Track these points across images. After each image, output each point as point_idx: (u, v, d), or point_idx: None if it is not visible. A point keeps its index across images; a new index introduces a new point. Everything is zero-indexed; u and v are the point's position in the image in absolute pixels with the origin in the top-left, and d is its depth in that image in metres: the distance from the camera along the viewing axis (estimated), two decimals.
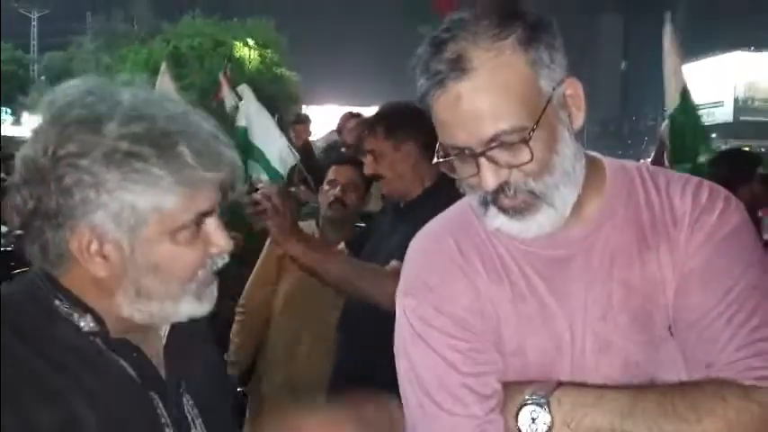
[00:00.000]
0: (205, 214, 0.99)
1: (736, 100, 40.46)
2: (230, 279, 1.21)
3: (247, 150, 4.92)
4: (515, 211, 1.01)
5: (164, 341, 1.10)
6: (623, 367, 1.04)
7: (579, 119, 1.04)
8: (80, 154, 0.91)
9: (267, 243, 2.89)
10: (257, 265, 2.93)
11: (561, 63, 1.01)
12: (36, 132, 0.95)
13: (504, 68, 0.96)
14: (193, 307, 1.02)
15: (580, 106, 1.04)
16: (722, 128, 38.02)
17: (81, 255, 0.95)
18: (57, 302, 0.98)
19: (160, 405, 1.03)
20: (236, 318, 2.91)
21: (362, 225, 2.96)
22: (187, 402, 1.09)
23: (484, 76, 0.96)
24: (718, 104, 40.37)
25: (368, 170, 2.28)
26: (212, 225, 1.00)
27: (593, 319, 1.05)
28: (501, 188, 1.00)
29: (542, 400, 0.99)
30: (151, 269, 0.97)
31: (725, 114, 39.95)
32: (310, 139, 6.93)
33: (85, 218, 0.93)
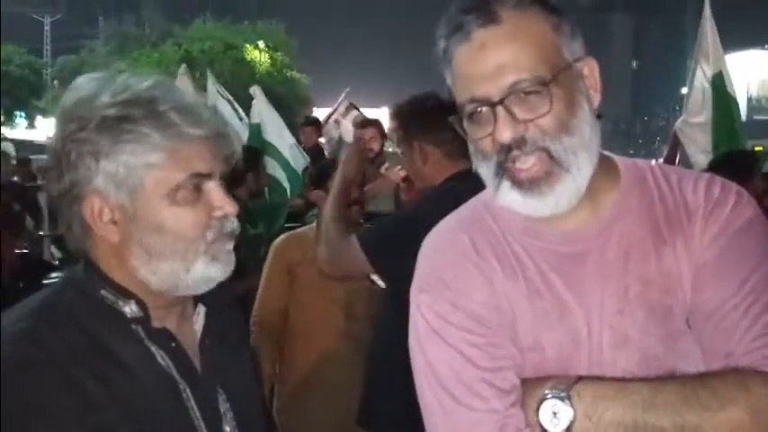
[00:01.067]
0: (202, 176, 1.04)
1: (749, 99, 40.15)
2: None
3: (262, 147, 4.98)
4: (531, 183, 1.01)
5: (198, 335, 1.15)
6: (642, 361, 1.04)
7: (596, 99, 1.05)
8: (80, 128, 1.01)
9: (272, 252, 2.85)
10: (266, 276, 2.84)
11: (580, 43, 1.03)
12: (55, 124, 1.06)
13: (530, 24, 0.99)
14: (209, 268, 1.06)
15: (597, 88, 1.05)
16: None
17: (95, 223, 1.03)
18: (103, 292, 1.06)
19: (191, 398, 1.08)
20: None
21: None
22: (220, 396, 1.13)
23: (509, 27, 0.98)
24: None
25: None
26: (213, 189, 1.06)
27: (610, 314, 1.05)
28: (517, 144, 0.99)
29: (563, 394, 0.98)
30: (156, 229, 1.03)
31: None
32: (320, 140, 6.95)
33: (90, 185, 1.02)
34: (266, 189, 4.89)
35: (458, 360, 1.05)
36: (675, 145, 5.17)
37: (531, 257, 1.08)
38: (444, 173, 2.17)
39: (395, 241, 1.94)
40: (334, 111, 6.80)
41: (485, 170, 1.05)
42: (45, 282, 4.57)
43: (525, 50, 0.98)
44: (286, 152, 5.02)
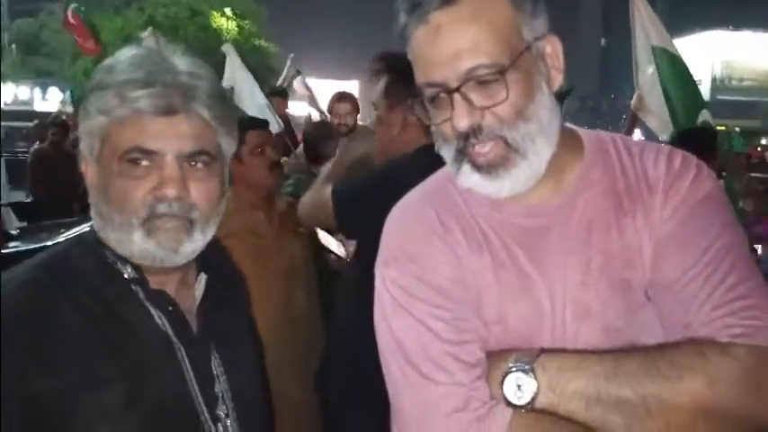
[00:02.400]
0: (147, 152, 1.05)
1: (713, 79, 40.80)
2: None
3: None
4: (489, 167, 1.02)
5: (197, 301, 1.19)
6: (603, 333, 1.06)
7: (557, 79, 1.05)
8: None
9: None
10: None
11: (543, 20, 1.02)
12: None
13: (488, 5, 0.97)
14: (146, 243, 1.07)
15: (559, 67, 1.05)
16: None
17: (89, 186, 1.12)
18: (106, 251, 1.11)
19: (185, 359, 1.11)
20: None
21: None
22: (214, 359, 1.17)
23: (466, 9, 0.96)
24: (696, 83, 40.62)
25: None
26: (161, 167, 1.06)
27: (573, 287, 1.06)
28: (474, 133, 1.00)
29: (527, 367, 1.00)
30: (103, 196, 1.09)
31: (702, 93, 40.27)
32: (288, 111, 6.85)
33: (82, 146, 1.11)
34: None
35: (424, 334, 1.05)
36: (633, 122, 5.23)
37: (495, 231, 1.09)
38: (417, 144, 2.11)
39: (362, 197, 1.93)
40: (283, 79, 6.68)
41: (446, 152, 1.06)
42: (3, 252, 4.45)
43: (483, 34, 0.96)
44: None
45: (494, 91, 0.98)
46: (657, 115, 4.88)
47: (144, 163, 1.06)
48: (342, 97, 5.03)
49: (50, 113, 12.78)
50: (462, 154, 1.03)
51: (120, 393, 1.02)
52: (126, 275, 1.10)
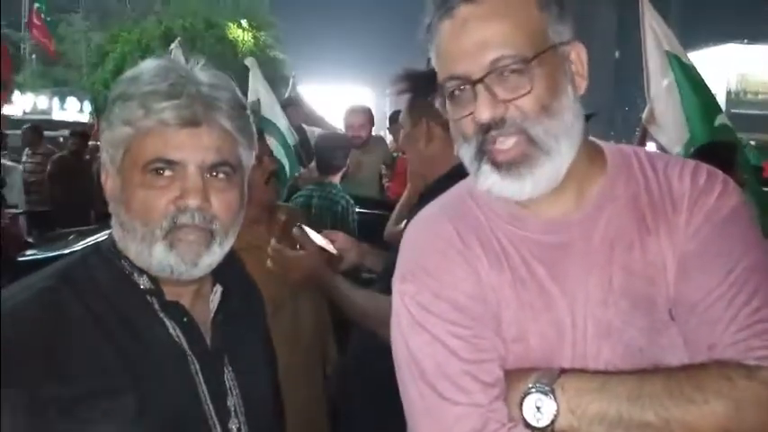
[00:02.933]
0: (170, 162, 1.06)
1: (728, 93, 40.47)
2: None
3: (261, 125, 4.88)
4: (511, 164, 0.99)
5: (212, 313, 1.18)
6: (625, 353, 1.03)
7: (582, 85, 1.04)
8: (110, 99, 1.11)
9: None
10: None
11: (569, 27, 1.01)
12: None
13: (515, 2, 0.97)
14: (168, 256, 1.07)
15: (583, 74, 1.03)
16: None
17: (110, 196, 1.12)
18: (123, 262, 1.11)
19: (199, 371, 1.11)
20: None
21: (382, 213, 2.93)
22: (227, 372, 1.16)
23: (493, 3, 0.96)
24: None
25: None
26: (184, 178, 1.07)
27: (594, 304, 1.04)
28: (496, 125, 0.97)
29: (546, 388, 0.97)
30: (125, 206, 1.09)
31: None
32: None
33: (103, 156, 1.12)
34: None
35: (441, 352, 1.02)
36: (645, 135, 5.19)
37: (514, 246, 1.06)
38: (448, 160, 1.97)
39: None
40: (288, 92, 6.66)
41: (466, 152, 1.03)
42: (20, 259, 4.51)
43: (508, 27, 0.95)
44: (284, 129, 4.94)
45: (518, 84, 0.96)
46: (669, 129, 4.82)
47: (167, 173, 1.06)
48: (355, 110, 5.06)
49: (68, 122, 12.93)
50: (482, 152, 1.00)
51: (132, 404, 1.01)
52: (142, 286, 1.10)
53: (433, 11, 1.01)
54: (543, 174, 0.99)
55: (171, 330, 1.10)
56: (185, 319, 1.11)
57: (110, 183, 1.11)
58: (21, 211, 8.22)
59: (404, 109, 2.15)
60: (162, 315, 1.10)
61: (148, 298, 1.10)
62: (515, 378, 1.02)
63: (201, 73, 1.11)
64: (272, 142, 4.82)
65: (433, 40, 1.02)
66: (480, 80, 0.96)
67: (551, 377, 0.99)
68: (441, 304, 1.05)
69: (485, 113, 0.96)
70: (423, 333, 1.04)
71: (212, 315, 1.18)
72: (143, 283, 1.10)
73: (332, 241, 2.10)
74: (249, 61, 5.57)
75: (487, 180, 1.01)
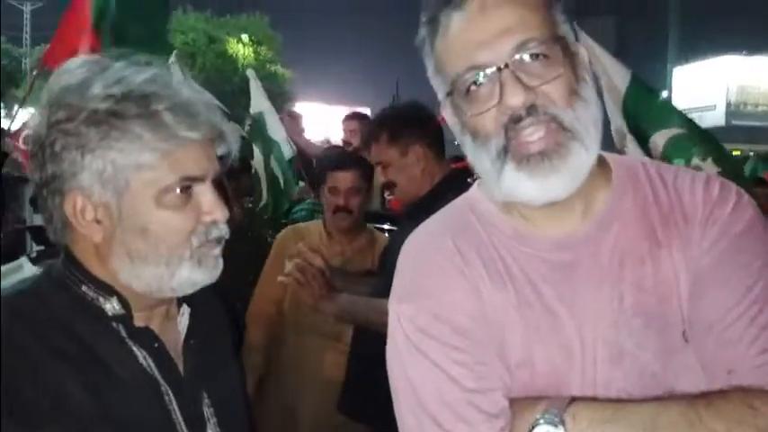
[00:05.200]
0: (193, 179, 1.00)
1: (728, 104, 40.57)
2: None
3: (264, 143, 4.84)
4: (542, 155, 0.91)
5: (183, 335, 1.11)
6: (639, 378, 0.96)
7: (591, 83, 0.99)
8: (68, 119, 0.96)
9: (274, 244, 2.86)
10: (265, 267, 2.85)
11: (570, 30, 0.98)
12: (39, 107, 1.00)
13: None
14: (194, 273, 1.02)
15: (590, 72, 0.98)
16: (714, 131, 37.99)
17: (76, 220, 0.99)
18: (84, 288, 1.01)
19: (173, 401, 1.03)
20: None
21: (383, 227, 2.93)
22: (204, 400, 1.09)
23: None
24: (710, 108, 40.49)
25: (380, 179, 2.29)
26: (205, 192, 1.02)
27: (605, 326, 0.97)
28: (528, 112, 0.90)
29: (556, 419, 0.90)
30: (140, 232, 0.99)
31: (717, 118, 40.07)
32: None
33: (74, 181, 0.97)
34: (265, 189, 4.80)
35: (442, 381, 0.96)
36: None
37: (519, 265, 1.00)
38: (435, 174, 2.18)
39: None
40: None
41: (483, 153, 0.95)
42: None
43: (529, 12, 0.91)
44: (282, 142, 4.93)
45: (544, 69, 0.90)
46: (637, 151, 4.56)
47: (189, 191, 1.00)
48: (348, 117, 5.10)
49: None
50: (505, 149, 0.92)
51: None
52: (110, 313, 1.01)
53: (435, 6, 0.94)
54: (579, 164, 0.92)
55: (141, 360, 1.02)
56: (156, 345, 1.04)
57: (101, 212, 0.99)
58: (25, 225, 8.23)
59: (383, 147, 2.22)
60: (130, 343, 1.02)
61: (114, 325, 1.01)
62: (522, 407, 0.94)
63: (200, 87, 1.09)
64: (259, 162, 4.79)
65: (436, 36, 0.95)
66: (507, 66, 0.89)
67: (561, 406, 0.91)
68: (441, 327, 0.97)
69: (516, 99, 0.89)
70: (422, 359, 0.97)
71: (183, 338, 1.11)
72: (111, 308, 1.01)
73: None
74: (249, 73, 5.59)
75: (512, 181, 0.93)
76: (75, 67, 1.00)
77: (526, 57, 0.90)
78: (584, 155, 0.92)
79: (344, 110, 6.24)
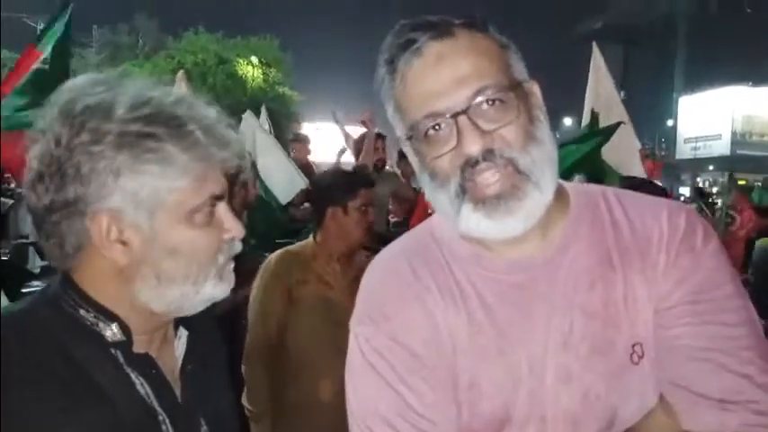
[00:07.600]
0: (218, 198, 1.01)
1: (733, 133, 40.70)
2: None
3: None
4: (498, 198, 0.93)
5: (180, 361, 1.10)
6: (583, 400, 0.99)
7: (546, 121, 1.02)
8: (94, 141, 0.93)
9: (270, 270, 2.59)
10: (264, 297, 2.57)
11: (524, 69, 1.00)
12: (46, 129, 0.97)
13: (482, 40, 0.96)
14: (216, 289, 1.02)
15: (545, 111, 1.01)
16: (719, 161, 38.21)
17: (101, 242, 0.96)
18: (82, 312, 0.99)
19: (170, 429, 1.02)
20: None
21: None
22: (202, 428, 1.08)
23: (463, 41, 0.95)
24: (715, 137, 40.64)
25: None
26: (223, 210, 1.03)
27: (555, 349, 0.99)
28: (484, 157, 0.92)
29: None
30: (170, 252, 0.97)
31: (722, 147, 40.21)
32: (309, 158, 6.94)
33: (104, 202, 0.94)
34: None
35: (392, 403, 0.99)
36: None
37: (474, 287, 1.02)
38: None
39: None
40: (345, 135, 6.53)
41: (441, 194, 0.97)
42: (24, 291, 4.50)
43: (484, 61, 0.94)
44: (275, 184, 4.90)
45: (500, 114, 0.93)
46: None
47: (213, 209, 1.01)
48: (378, 135, 5.17)
49: None
50: (463, 190, 0.95)
51: None
52: (109, 338, 0.99)
53: (393, 53, 0.96)
54: (533, 206, 0.94)
55: (138, 387, 1.00)
56: (153, 371, 1.03)
57: (130, 233, 0.96)
58: (29, 241, 8.26)
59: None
60: (128, 370, 1.00)
61: (113, 351, 0.99)
62: None
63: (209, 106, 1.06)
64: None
65: (396, 84, 0.97)
66: (464, 112, 0.92)
67: None
68: (397, 350, 1.00)
69: (474, 146, 0.92)
70: (375, 379, 1.00)
71: (180, 363, 1.10)
72: (111, 335, 0.99)
73: None
74: (246, 116, 5.45)
75: (470, 221, 0.95)
76: (87, 86, 0.98)
77: (483, 103, 0.93)
78: (538, 197, 0.95)
79: (351, 131, 6.24)
